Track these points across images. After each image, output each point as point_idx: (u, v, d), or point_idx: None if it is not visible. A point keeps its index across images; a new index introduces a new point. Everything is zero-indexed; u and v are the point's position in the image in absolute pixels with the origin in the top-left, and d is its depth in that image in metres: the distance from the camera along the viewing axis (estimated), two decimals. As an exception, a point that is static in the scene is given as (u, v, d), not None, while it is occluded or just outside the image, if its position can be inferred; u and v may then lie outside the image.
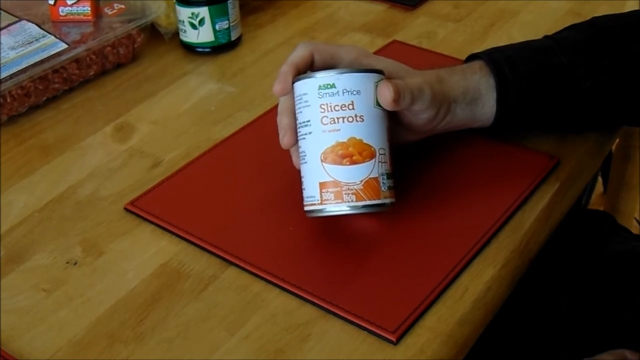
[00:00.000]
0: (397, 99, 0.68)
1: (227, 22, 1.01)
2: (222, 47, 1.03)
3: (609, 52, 0.78)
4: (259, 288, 0.67)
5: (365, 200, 0.67)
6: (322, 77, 0.68)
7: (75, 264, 0.71)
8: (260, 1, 1.14)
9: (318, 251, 0.71)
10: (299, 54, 0.73)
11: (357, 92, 0.68)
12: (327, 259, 0.70)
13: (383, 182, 0.68)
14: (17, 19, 1.00)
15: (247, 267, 0.69)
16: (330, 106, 0.67)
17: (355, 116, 0.67)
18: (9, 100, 0.89)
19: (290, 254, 0.70)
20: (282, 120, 0.72)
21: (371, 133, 0.68)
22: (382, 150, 0.68)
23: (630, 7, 0.85)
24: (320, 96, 0.68)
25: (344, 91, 0.67)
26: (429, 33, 1.06)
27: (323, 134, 0.68)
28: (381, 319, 0.63)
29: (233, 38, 1.03)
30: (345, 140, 0.67)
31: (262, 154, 0.83)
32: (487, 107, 0.76)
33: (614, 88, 0.78)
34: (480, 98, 0.76)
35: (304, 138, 0.69)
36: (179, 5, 1.00)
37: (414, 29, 1.08)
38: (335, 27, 1.09)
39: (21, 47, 0.94)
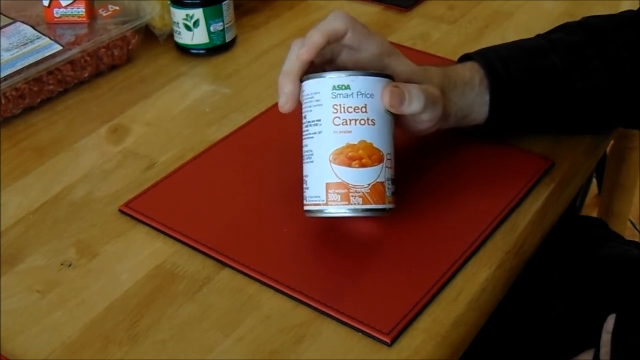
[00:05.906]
0: (395, 105, 0.67)
1: (221, 23, 1.01)
2: (216, 49, 1.02)
3: (599, 54, 0.78)
4: (254, 290, 0.67)
5: (371, 204, 0.67)
6: (337, 77, 0.67)
7: (70, 265, 0.71)
8: (254, 3, 1.14)
9: (313, 253, 0.71)
10: (336, 25, 0.69)
11: (371, 96, 0.67)
12: (322, 261, 0.70)
13: (388, 187, 0.68)
14: (11, 21, 1.00)
15: (241, 269, 0.69)
16: (344, 107, 0.67)
17: (367, 119, 0.67)
18: (3, 101, 0.89)
19: (285, 256, 0.70)
20: (286, 85, 0.69)
21: (381, 137, 0.68)
22: (389, 155, 0.68)
23: (625, 8, 0.85)
24: (334, 96, 0.67)
25: (358, 93, 0.67)
26: (423, 34, 1.06)
27: (334, 135, 0.67)
28: (376, 321, 0.63)
29: (227, 40, 1.03)
30: (355, 143, 0.67)
31: (257, 155, 0.83)
32: (479, 109, 0.76)
33: (605, 90, 0.78)
34: (473, 100, 0.76)
35: (311, 137, 0.68)
36: (173, 6, 1.00)
37: (408, 30, 1.08)
38: (329, 29, 1.09)
39: (16, 48, 0.94)
